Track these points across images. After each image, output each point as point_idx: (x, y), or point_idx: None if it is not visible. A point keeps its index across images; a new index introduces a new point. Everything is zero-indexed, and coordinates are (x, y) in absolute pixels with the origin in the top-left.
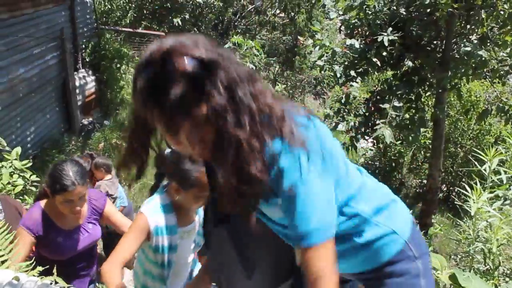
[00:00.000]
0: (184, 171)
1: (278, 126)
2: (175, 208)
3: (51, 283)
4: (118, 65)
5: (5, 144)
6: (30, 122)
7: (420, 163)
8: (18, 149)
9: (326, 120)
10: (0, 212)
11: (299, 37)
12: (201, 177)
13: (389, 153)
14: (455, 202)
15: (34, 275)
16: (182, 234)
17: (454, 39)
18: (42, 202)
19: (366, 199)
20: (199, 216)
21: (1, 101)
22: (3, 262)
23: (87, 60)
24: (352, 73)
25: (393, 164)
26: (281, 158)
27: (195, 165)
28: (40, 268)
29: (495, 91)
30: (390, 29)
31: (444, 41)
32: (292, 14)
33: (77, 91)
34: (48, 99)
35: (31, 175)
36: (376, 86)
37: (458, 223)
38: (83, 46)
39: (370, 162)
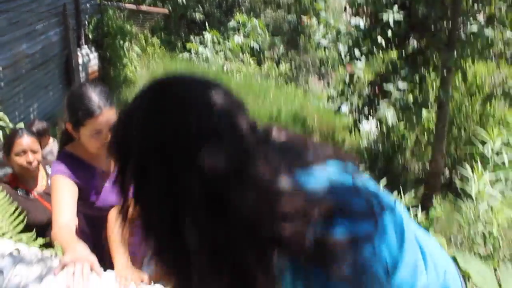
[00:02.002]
0: None
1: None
2: None
3: (51, 256)
4: (122, 42)
5: (8, 121)
6: (33, 99)
7: (423, 147)
8: (21, 126)
9: (329, 101)
10: (48, 178)
11: (302, 16)
12: None
13: (392, 137)
14: (453, 182)
15: (34, 247)
16: None
17: (461, 19)
18: (68, 147)
19: None
20: None
21: (4, 77)
22: (3, 234)
23: (90, 36)
24: (357, 52)
25: (396, 148)
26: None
27: None
28: (41, 241)
29: (501, 73)
30: (396, 7)
31: (450, 21)
32: None
33: (80, 68)
34: (51, 75)
35: None
36: (381, 68)
37: (459, 206)
38: (86, 22)
39: (373, 145)
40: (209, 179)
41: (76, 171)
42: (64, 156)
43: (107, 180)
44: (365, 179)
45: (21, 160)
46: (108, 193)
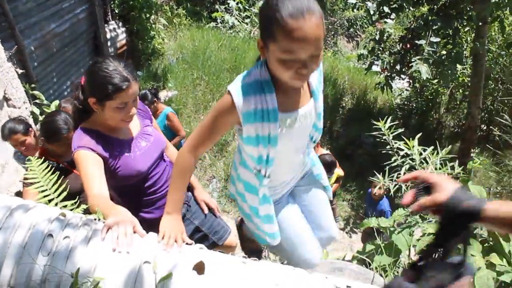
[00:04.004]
0: None
1: None
2: (278, 86)
3: (94, 219)
4: (148, 15)
5: (44, 98)
6: (66, 76)
7: (458, 102)
8: (56, 102)
9: (360, 60)
10: None
11: None
12: None
13: (425, 93)
14: (491, 134)
15: (79, 212)
16: (286, 122)
17: None
18: (83, 124)
19: None
20: (316, 100)
21: (37, 57)
22: (50, 200)
23: (116, 11)
24: (386, 9)
25: (430, 104)
26: None
27: None
28: (84, 206)
29: None
30: None
31: None
32: None
33: (109, 43)
34: (81, 53)
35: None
36: (412, 23)
37: (498, 159)
38: None
39: (406, 102)
40: None
41: (97, 143)
42: (83, 132)
43: (126, 149)
44: None
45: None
46: (130, 162)
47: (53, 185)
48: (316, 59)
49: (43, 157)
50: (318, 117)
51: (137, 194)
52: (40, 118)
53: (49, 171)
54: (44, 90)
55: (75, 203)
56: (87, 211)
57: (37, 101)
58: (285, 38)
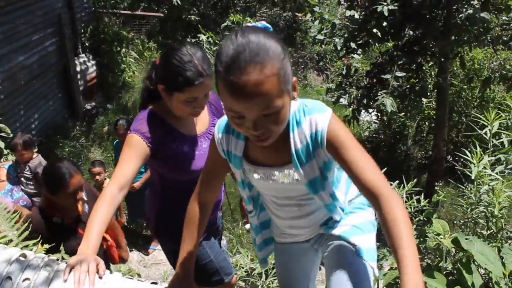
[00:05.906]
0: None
1: None
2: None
3: (57, 259)
4: (118, 49)
5: (10, 132)
6: (33, 109)
7: (425, 134)
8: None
9: (328, 94)
10: (84, 203)
11: (297, 13)
12: None
13: (393, 125)
14: (456, 167)
15: (40, 253)
16: (250, 173)
17: (455, 6)
18: (154, 106)
19: None
20: (297, 167)
21: (3, 89)
22: (10, 240)
23: (87, 44)
24: (353, 45)
25: (398, 136)
26: None
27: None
28: (46, 246)
29: (499, 59)
30: None
31: (445, 9)
32: None
33: (78, 76)
34: (49, 85)
35: None
36: (378, 58)
37: (463, 192)
38: (82, 30)
39: (374, 135)
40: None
41: (156, 131)
42: (147, 114)
43: (186, 145)
44: None
45: None
46: (185, 159)
47: (14, 225)
48: (275, 118)
49: (48, 213)
50: (308, 187)
51: (184, 193)
52: (5, 152)
53: (8, 210)
54: (11, 123)
55: (38, 242)
56: (49, 251)
57: (2, 134)
58: (223, 93)
